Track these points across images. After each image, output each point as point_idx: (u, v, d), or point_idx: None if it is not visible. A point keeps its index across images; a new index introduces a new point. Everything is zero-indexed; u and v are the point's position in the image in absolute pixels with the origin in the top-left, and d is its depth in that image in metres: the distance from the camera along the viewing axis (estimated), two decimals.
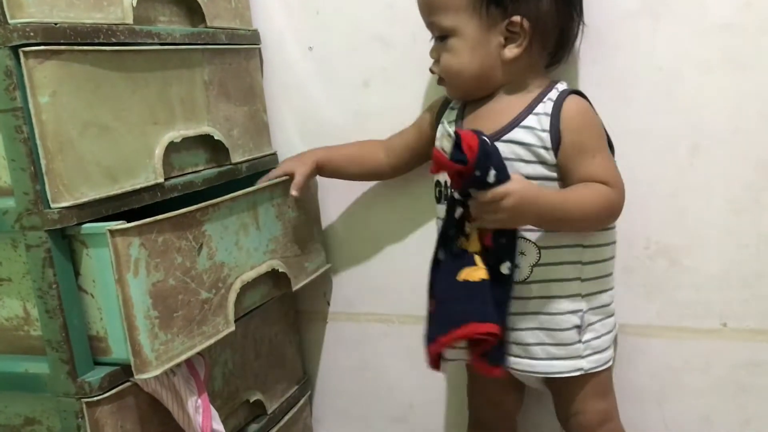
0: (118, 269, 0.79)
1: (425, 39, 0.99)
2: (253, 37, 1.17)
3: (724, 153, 1.00)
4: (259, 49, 1.20)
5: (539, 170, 0.91)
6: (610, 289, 0.98)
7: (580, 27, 0.98)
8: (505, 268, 0.89)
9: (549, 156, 0.90)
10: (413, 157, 1.10)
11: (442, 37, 0.93)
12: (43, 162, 0.79)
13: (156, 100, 0.94)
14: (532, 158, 0.91)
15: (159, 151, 0.93)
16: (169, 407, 0.89)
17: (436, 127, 1.02)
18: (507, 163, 0.87)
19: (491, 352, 0.89)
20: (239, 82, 1.12)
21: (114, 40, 0.86)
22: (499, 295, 0.89)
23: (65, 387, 0.84)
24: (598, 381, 0.97)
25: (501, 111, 0.94)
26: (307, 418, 1.30)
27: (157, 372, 0.82)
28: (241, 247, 0.97)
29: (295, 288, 1.09)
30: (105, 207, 0.86)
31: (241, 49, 1.13)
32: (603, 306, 0.96)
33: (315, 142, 1.21)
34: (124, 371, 0.86)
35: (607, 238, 0.96)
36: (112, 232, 0.79)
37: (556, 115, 0.91)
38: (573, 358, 0.95)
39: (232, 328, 0.94)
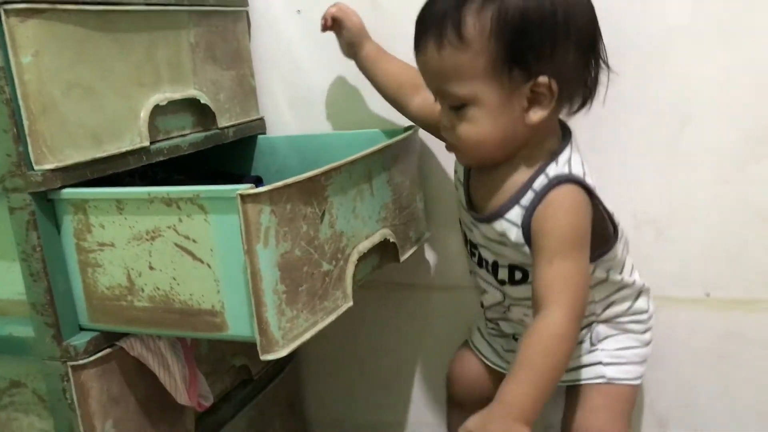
0: (247, 238, 0.72)
1: (418, 3, 0.96)
2: (241, 0, 1.15)
3: (714, 125, 1.00)
4: (247, 11, 1.17)
5: (522, 256, 0.87)
6: (638, 314, 0.98)
7: (607, 74, 0.87)
8: None
9: (527, 249, 0.85)
10: (428, 126, 1.05)
11: (456, 106, 0.83)
12: (26, 123, 0.78)
13: (141, 61, 0.92)
14: (515, 247, 0.87)
15: (144, 114, 0.92)
16: (156, 371, 0.89)
17: None
18: (492, 243, 0.89)
19: None
20: (226, 46, 1.10)
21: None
22: None
23: (50, 350, 0.83)
24: (621, 397, 0.96)
25: (500, 189, 0.87)
26: (293, 383, 1.31)
27: (284, 352, 0.76)
28: (357, 215, 0.89)
29: (402, 259, 1.01)
30: (90, 170, 0.85)
31: (228, 11, 1.11)
32: (616, 317, 0.96)
33: (303, 107, 1.20)
34: (106, 336, 0.86)
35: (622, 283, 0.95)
36: (243, 198, 0.71)
37: (530, 213, 0.83)
38: (593, 365, 0.95)
39: (351, 302, 0.86)
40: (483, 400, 0.95)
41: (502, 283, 0.94)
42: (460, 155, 0.90)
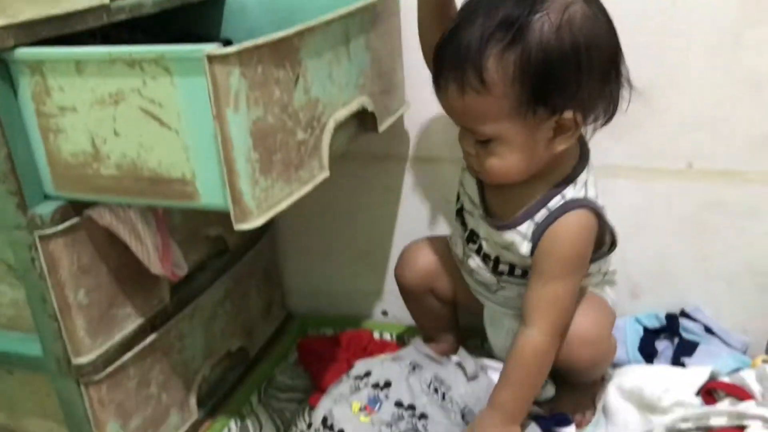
0: (216, 103, 0.68)
1: None
2: None
3: None
4: None
5: (521, 262, 0.92)
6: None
7: (629, 91, 0.85)
8: None
9: (529, 261, 0.90)
10: None
11: (482, 141, 0.84)
12: None
13: None
14: (520, 255, 0.90)
15: None
16: (127, 241, 0.86)
17: None
18: (498, 247, 0.93)
19: None
20: None
21: None
22: None
23: (16, 219, 0.80)
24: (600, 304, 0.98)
25: (516, 201, 0.90)
26: (270, 253, 1.30)
27: (259, 222, 0.74)
28: (334, 81, 0.85)
29: (381, 129, 0.99)
30: (46, 28, 0.78)
31: None
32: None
33: None
34: (74, 206, 0.83)
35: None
36: (211, 58, 0.66)
37: (541, 230, 0.87)
38: None
39: (327, 173, 0.84)
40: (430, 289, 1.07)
41: (500, 273, 0.96)
42: (485, 178, 0.90)
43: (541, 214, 0.87)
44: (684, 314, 1.11)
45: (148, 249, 0.87)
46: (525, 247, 0.89)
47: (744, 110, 1.00)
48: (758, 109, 0.99)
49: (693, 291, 1.12)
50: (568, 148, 0.85)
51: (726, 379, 0.96)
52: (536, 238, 0.87)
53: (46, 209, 0.81)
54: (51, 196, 0.83)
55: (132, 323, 0.93)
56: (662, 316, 1.12)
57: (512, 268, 0.94)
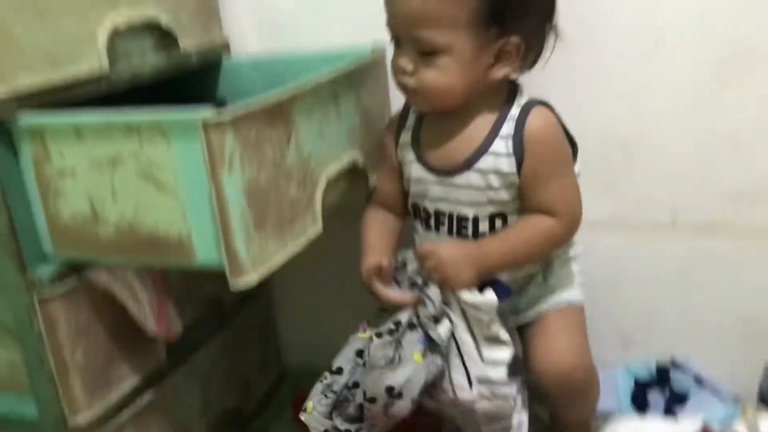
0: (211, 165, 0.71)
1: None
2: None
3: (686, 49, 0.99)
4: None
5: (507, 194, 0.89)
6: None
7: (554, 40, 0.89)
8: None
9: (515, 178, 0.87)
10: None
11: (426, 52, 0.84)
12: None
13: None
14: (503, 183, 0.88)
15: (102, 36, 0.88)
16: (124, 302, 0.88)
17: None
18: (478, 191, 0.88)
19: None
20: None
21: None
22: None
23: (15, 281, 0.82)
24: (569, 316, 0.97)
25: (466, 135, 0.89)
26: (265, 310, 1.31)
27: (254, 278, 0.76)
28: (325, 139, 0.88)
29: (372, 183, 1.01)
30: (48, 97, 0.81)
31: None
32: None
33: (269, 30, 1.17)
34: (73, 267, 0.84)
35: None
36: (206, 123, 0.69)
37: (518, 137, 0.86)
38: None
39: (320, 228, 0.86)
40: None
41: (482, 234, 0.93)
42: (419, 100, 0.90)
43: (507, 127, 0.87)
44: (674, 363, 1.12)
45: (144, 309, 0.89)
46: (507, 164, 0.87)
47: (725, 165, 1.02)
48: (738, 163, 1.02)
49: (682, 341, 1.13)
50: (503, 79, 0.87)
51: (717, 430, 0.96)
52: (518, 148, 0.86)
53: (45, 271, 0.82)
54: (50, 258, 0.85)
55: (128, 382, 0.94)
56: (653, 366, 1.12)
57: (492, 221, 0.91)
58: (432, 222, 0.95)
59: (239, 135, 0.72)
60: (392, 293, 0.90)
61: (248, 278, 0.75)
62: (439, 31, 0.82)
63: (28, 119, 0.79)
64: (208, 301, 1.11)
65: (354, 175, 0.97)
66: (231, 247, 0.74)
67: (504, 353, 0.86)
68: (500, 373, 0.86)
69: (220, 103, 1.12)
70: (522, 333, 0.96)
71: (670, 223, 1.07)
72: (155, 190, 0.76)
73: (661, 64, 1.01)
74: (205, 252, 0.77)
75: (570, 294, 0.97)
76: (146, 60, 0.97)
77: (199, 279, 1.08)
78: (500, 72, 0.85)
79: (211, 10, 1.12)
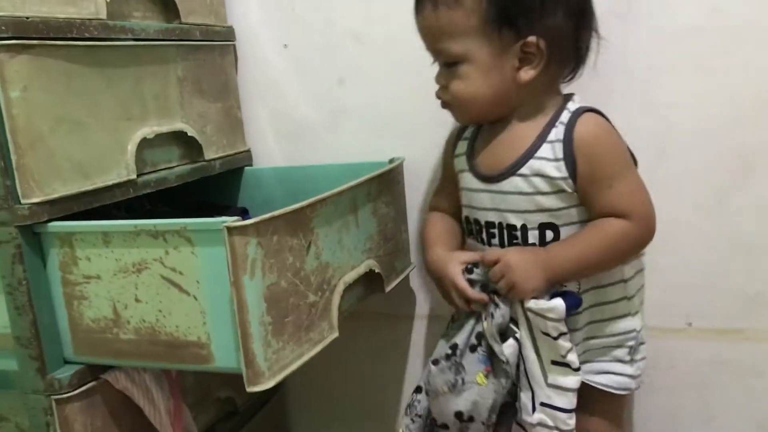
0: (234, 270, 0.73)
1: (401, 38, 0.98)
2: (228, 34, 1.16)
3: (692, 155, 1.02)
4: (234, 45, 1.19)
5: (556, 202, 0.87)
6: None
7: (595, 39, 0.90)
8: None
9: (568, 185, 0.86)
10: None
11: (450, 63, 0.87)
12: (13, 157, 0.78)
13: (129, 95, 0.93)
14: (551, 189, 0.87)
15: (131, 147, 0.92)
16: (141, 405, 0.88)
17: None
18: (524, 197, 0.87)
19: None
20: (213, 79, 1.11)
21: (87, 35, 0.86)
22: None
23: (34, 384, 0.83)
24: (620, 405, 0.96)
25: (514, 141, 0.89)
26: (279, 414, 1.30)
27: (270, 384, 0.76)
28: (343, 246, 0.91)
29: (387, 289, 1.02)
30: (76, 203, 0.85)
31: (216, 45, 1.12)
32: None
33: (289, 140, 1.22)
34: (91, 370, 0.85)
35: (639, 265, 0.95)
36: (230, 230, 0.72)
37: (568, 141, 0.85)
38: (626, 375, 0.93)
39: (336, 333, 0.87)
40: None
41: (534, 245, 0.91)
42: (454, 112, 0.92)
43: (555, 132, 0.86)
44: None
45: (160, 413, 0.89)
46: (553, 168, 0.85)
47: (737, 270, 1.03)
48: (751, 269, 1.03)
49: None
50: (545, 85, 0.87)
51: None
52: (568, 154, 0.85)
53: (64, 373, 0.84)
54: (70, 361, 0.86)
55: None
56: None
57: (542, 232, 0.88)
58: (484, 235, 0.93)
59: (262, 241, 0.74)
60: (472, 291, 0.88)
61: (265, 383, 0.76)
62: (454, 40, 0.85)
63: (59, 225, 0.82)
64: (221, 404, 1.11)
65: (371, 280, 0.99)
66: (249, 351, 0.75)
67: (571, 380, 0.82)
68: (564, 400, 0.82)
69: (242, 214, 1.15)
70: None
71: (686, 329, 1.07)
72: (178, 294, 0.78)
73: (668, 170, 1.03)
74: (223, 356, 0.78)
75: (621, 379, 0.93)
76: (172, 168, 1.01)
77: (214, 382, 1.08)
78: (528, 74, 0.85)
79: (235, 122, 1.17)
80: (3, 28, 0.76)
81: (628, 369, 0.93)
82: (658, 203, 1.04)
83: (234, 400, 1.13)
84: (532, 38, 0.83)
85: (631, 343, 0.93)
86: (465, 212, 0.97)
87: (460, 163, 0.96)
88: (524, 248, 0.88)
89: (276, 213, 0.77)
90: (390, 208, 1.04)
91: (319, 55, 1.18)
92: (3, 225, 0.80)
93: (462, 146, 0.97)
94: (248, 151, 1.21)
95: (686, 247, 1.05)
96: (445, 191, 1.02)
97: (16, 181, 0.79)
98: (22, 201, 0.80)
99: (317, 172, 1.15)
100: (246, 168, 1.21)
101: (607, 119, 0.88)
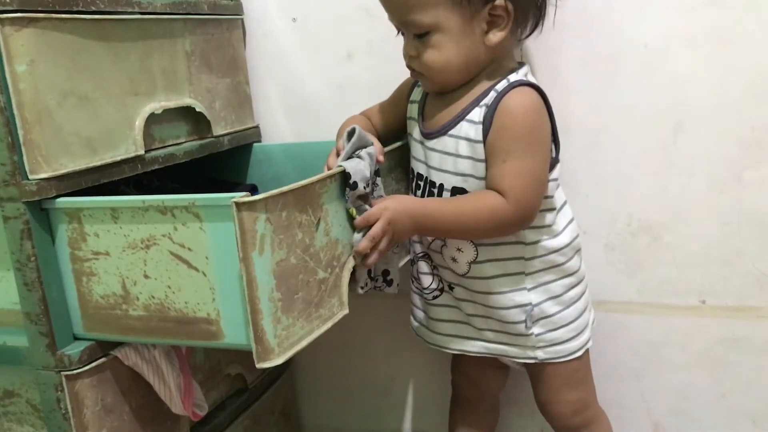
0: (243, 246, 0.71)
1: None
2: (236, 8, 1.15)
3: (708, 130, 1.01)
4: (242, 20, 1.18)
5: (470, 168, 0.89)
6: (567, 276, 0.95)
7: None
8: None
9: (479, 151, 0.88)
10: (390, 132, 1.05)
11: (420, 34, 0.88)
12: (20, 132, 0.78)
13: (137, 70, 0.92)
14: (468, 153, 0.89)
15: (139, 122, 0.91)
16: (150, 381, 0.88)
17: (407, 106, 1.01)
18: (448, 157, 0.90)
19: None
20: (221, 54, 1.10)
21: (93, 8, 0.84)
22: None
23: (44, 360, 0.83)
24: (569, 371, 0.97)
25: (456, 102, 0.91)
26: (288, 391, 1.30)
27: (280, 361, 0.75)
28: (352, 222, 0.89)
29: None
30: (84, 179, 0.84)
31: (224, 19, 1.11)
32: (555, 296, 0.95)
33: (298, 115, 1.20)
34: (101, 346, 0.85)
35: (553, 231, 0.94)
36: (239, 205, 0.70)
37: (492, 109, 0.87)
38: (526, 347, 0.95)
39: (347, 310, 0.86)
40: (489, 393, 1.07)
41: None
42: (426, 81, 0.93)
43: (489, 97, 0.88)
44: None
45: (170, 389, 0.89)
46: (474, 131, 0.88)
47: (751, 247, 1.02)
48: (766, 246, 1.02)
49: (717, 429, 1.10)
50: (504, 46, 0.89)
51: None
52: (488, 120, 0.87)
53: (74, 350, 0.84)
54: (80, 337, 0.86)
55: None
56: None
57: (454, 195, 0.91)
58: (413, 184, 0.99)
59: (271, 217, 0.73)
60: (332, 159, 0.91)
61: (274, 360, 0.76)
62: (424, 11, 0.85)
63: (67, 201, 0.82)
64: (231, 381, 1.11)
65: None
66: (258, 327, 0.74)
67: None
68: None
69: (251, 190, 1.15)
70: None
71: (699, 306, 1.06)
72: (187, 270, 0.78)
73: (683, 147, 1.02)
74: (232, 332, 0.78)
75: (568, 344, 0.95)
76: (180, 144, 1.01)
77: (224, 358, 1.08)
78: (496, 36, 0.87)
79: (243, 98, 1.16)
80: (9, 1, 0.75)
81: (530, 340, 0.95)
82: (673, 179, 1.03)
83: (244, 377, 1.13)
84: (500, 1, 0.85)
85: (522, 317, 0.94)
86: (411, 163, 0.99)
87: (412, 110, 0.99)
88: (405, 199, 0.89)
89: (285, 189, 0.75)
90: (400, 185, 1.03)
91: (328, 29, 1.16)
92: (11, 201, 0.80)
93: (417, 94, 0.99)
94: (257, 127, 1.20)
95: (700, 223, 1.04)
96: (384, 108, 1.04)
97: (24, 157, 0.78)
98: (30, 177, 0.79)
99: (327, 148, 1.12)
100: (255, 144, 1.20)
101: (544, 99, 0.89)
